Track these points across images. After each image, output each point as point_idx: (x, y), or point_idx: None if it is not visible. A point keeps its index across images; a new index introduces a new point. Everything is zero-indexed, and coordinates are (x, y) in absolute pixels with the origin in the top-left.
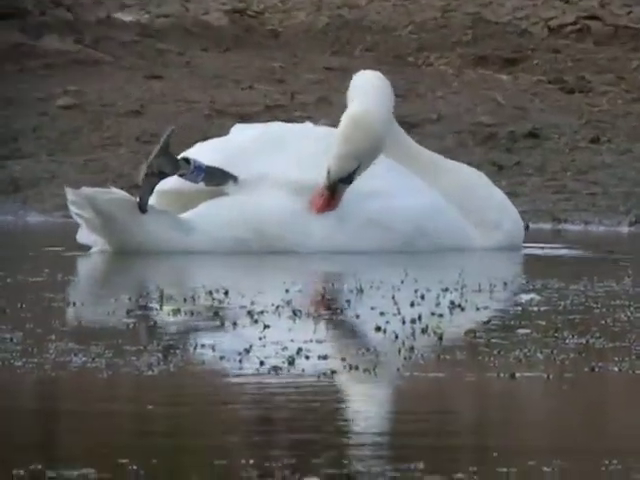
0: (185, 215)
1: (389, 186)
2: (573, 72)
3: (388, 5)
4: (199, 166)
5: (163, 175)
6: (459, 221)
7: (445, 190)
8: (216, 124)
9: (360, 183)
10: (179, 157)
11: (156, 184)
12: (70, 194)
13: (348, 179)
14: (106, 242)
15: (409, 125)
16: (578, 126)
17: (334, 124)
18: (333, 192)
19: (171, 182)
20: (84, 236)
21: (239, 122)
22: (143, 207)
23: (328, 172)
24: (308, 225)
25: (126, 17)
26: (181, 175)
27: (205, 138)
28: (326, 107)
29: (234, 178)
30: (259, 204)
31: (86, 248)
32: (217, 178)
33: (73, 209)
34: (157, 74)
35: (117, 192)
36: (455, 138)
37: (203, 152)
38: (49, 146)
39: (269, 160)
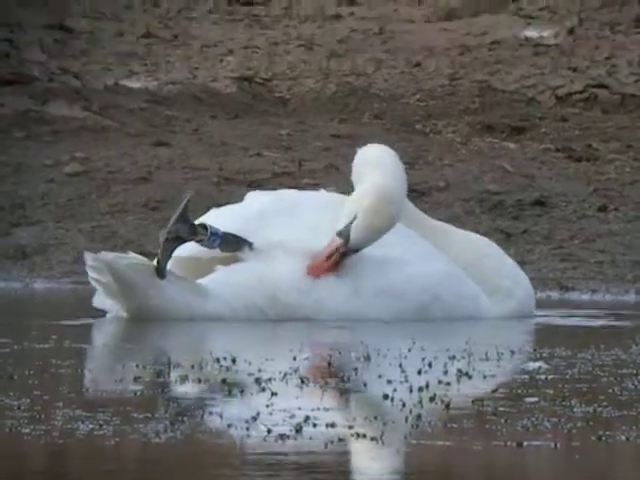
0: (202, 281)
1: (403, 254)
2: (581, 140)
3: (395, 73)
4: (215, 232)
5: (180, 240)
6: (473, 289)
7: (456, 259)
8: (224, 191)
9: (374, 251)
10: (200, 224)
11: (175, 249)
12: (89, 259)
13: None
14: (122, 307)
15: (417, 193)
16: (585, 194)
17: (342, 191)
18: (342, 259)
19: (188, 248)
20: (100, 301)
21: (247, 189)
22: (162, 272)
23: (346, 240)
24: (322, 293)
25: (134, 84)
26: (198, 241)
27: (213, 205)
28: (334, 174)
29: (249, 244)
30: (274, 271)
31: (95, 314)
32: (233, 244)
33: (91, 274)
34: (165, 141)
35: (136, 257)
36: (463, 206)
37: (218, 219)
38: (56, 213)
39: (284, 227)
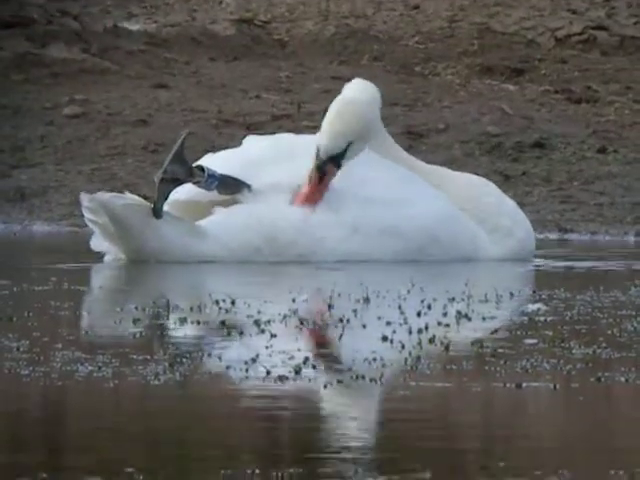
0: (200, 223)
1: (402, 194)
2: (580, 82)
3: (395, 15)
4: (213, 174)
5: (177, 182)
6: (472, 229)
7: (455, 201)
8: (223, 134)
9: (373, 191)
10: (193, 165)
11: (171, 190)
12: (85, 200)
13: (337, 160)
14: (120, 249)
15: (416, 135)
16: (585, 136)
17: None
18: (322, 174)
19: (186, 191)
20: (98, 243)
21: (246, 131)
22: (158, 213)
23: (317, 151)
24: (321, 232)
25: (133, 26)
26: (195, 182)
27: (212, 147)
28: None
29: (248, 187)
30: (272, 212)
31: (94, 257)
32: (231, 187)
33: (87, 215)
34: (164, 83)
35: (132, 197)
36: (462, 148)
37: (216, 162)
38: (56, 155)
39: (281, 169)
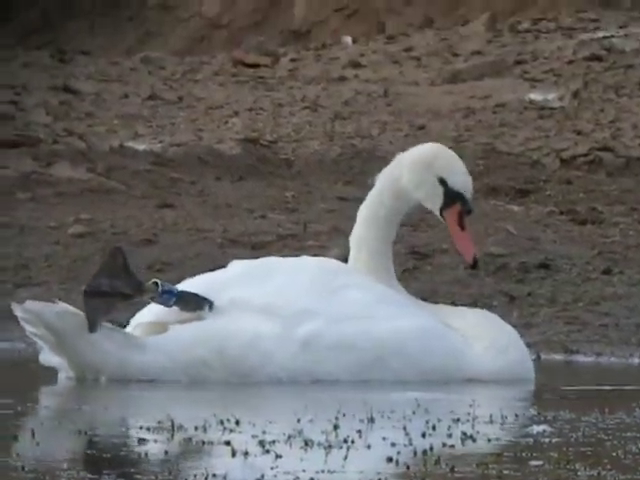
0: (142, 336)
1: (369, 312)
2: (585, 203)
3: (400, 135)
4: (169, 290)
5: (126, 297)
6: (457, 345)
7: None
8: (229, 253)
9: (332, 309)
10: (152, 281)
11: (114, 304)
12: (17, 310)
13: (453, 199)
14: (66, 363)
15: (421, 255)
16: (590, 257)
17: (346, 254)
18: (460, 224)
19: (152, 313)
20: (47, 358)
21: (251, 251)
22: (91, 327)
23: (458, 199)
24: (269, 348)
25: (139, 146)
26: (152, 298)
27: (217, 267)
28: (339, 237)
29: (210, 303)
30: (223, 326)
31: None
32: (192, 303)
33: (25, 327)
34: (170, 203)
35: (65, 306)
36: (467, 269)
37: (193, 282)
38: (60, 274)
39: (248, 288)
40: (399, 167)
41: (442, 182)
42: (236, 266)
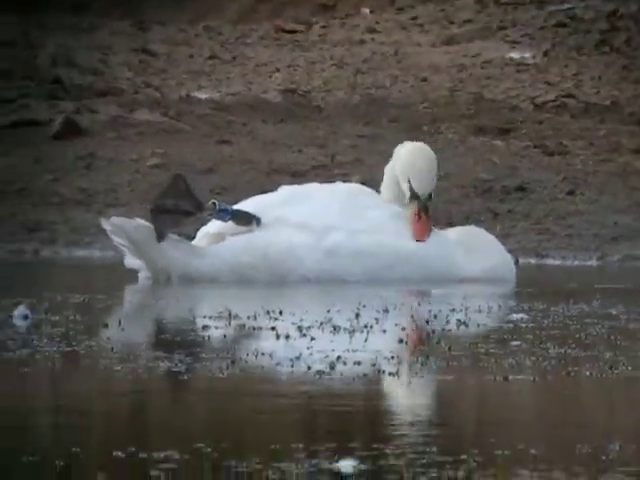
0: (203, 245)
1: (382, 226)
2: (554, 139)
3: (407, 86)
4: (224, 209)
5: (188, 213)
6: (450, 251)
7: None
8: (273, 180)
9: (359, 224)
10: (211, 201)
11: (179, 219)
12: (105, 223)
13: (430, 196)
14: (145, 266)
15: None
16: (557, 181)
17: (365, 179)
18: (426, 211)
19: (215, 225)
20: (130, 261)
21: (291, 178)
22: (158, 237)
23: (415, 197)
24: (301, 254)
25: (202, 95)
26: (210, 215)
27: (264, 191)
28: (359, 166)
29: (258, 220)
30: (266, 236)
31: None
32: (243, 219)
33: (112, 237)
34: (226, 140)
35: (141, 221)
36: (459, 191)
37: (248, 203)
38: (141, 196)
39: (289, 208)
40: (396, 157)
41: (409, 182)
42: (284, 190)
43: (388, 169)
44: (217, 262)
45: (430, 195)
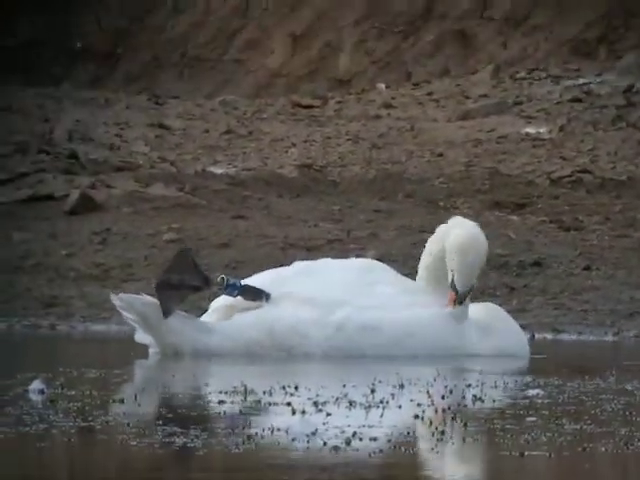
0: (209, 321)
1: (388, 302)
2: (569, 214)
3: (423, 161)
4: (233, 284)
5: (195, 289)
6: (459, 328)
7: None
8: (289, 255)
9: (370, 301)
10: (220, 277)
11: (185, 295)
12: (115, 300)
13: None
14: (154, 342)
15: None
16: (573, 257)
17: (382, 255)
18: (461, 302)
19: (227, 300)
20: (141, 337)
21: (307, 253)
22: (164, 313)
23: (455, 290)
24: (308, 330)
25: (217, 170)
26: (218, 290)
27: (280, 265)
28: (375, 241)
29: (267, 295)
30: (273, 312)
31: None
32: (252, 295)
33: (122, 313)
34: (242, 215)
35: (149, 298)
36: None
37: (263, 276)
38: (157, 271)
39: (299, 284)
40: (442, 237)
41: (452, 272)
42: (298, 265)
43: (431, 244)
44: (224, 339)
45: (471, 288)
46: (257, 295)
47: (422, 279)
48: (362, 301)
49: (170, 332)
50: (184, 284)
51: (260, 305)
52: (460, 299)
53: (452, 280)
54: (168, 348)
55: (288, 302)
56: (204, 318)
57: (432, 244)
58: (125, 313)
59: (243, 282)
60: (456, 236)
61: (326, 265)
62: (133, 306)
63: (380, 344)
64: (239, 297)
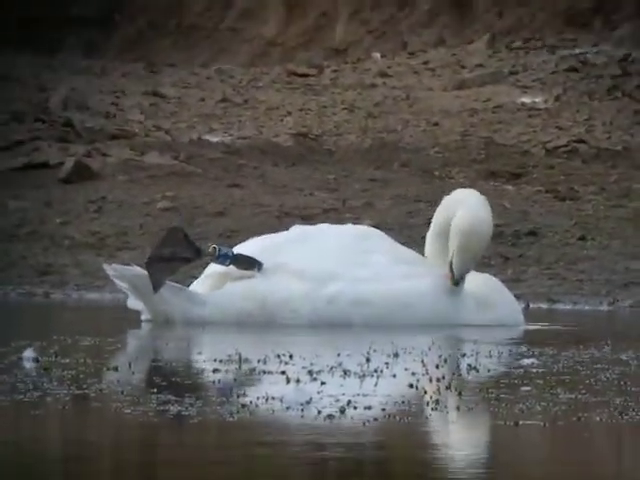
0: (201, 292)
1: (382, 272)
2: (565, 184)
3: (419, 130)
4: (225, 254)
5: (187, 260)
6: (453, 300)
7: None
8: (284, 223)
9: (364, 273)
10: (211, 246)
11: (177, 267)
12: (107, 268)
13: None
14: (146, 309)
15: None
16: (568, 226)
17: (376, 223)
18: (457, 284)
19: (220, 268)
20: (133, 303)
21: (302, 222)
22: (154, 287)
23: (452, 273)
24: (300, 304)
25: (213, 138)
26: (210, 260)
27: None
28: (370, 210)
29: (260, 265)
30: (265, 284)
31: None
32: (244, 264)
33: (115, 281)
34: (237, 183)
35: (139, 270)
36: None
37: (256, 243)
38: (152, 240)
39: (293, 252)
40: (447, 210)
41: (452, 252)
42: (294, 230)
43: (437, 216)
44: (215, 309)
45: (468, 271)
46: (249, 264)
47: (428, 253)
48: (355, 272)
49: (162, 303)
50: (175, 256)
51: (252, 275)
52: (456, 281)
53: (451, 260)
54: (159, 317)
55: (280, 274)
56: (196, 284)
57: (437, 216)
58: (118, 281)
59: (235, 251)
60: (461, 218)
61: (322, 232)
62: (124, 276)
63: (373, 316)
64: (231, 266)
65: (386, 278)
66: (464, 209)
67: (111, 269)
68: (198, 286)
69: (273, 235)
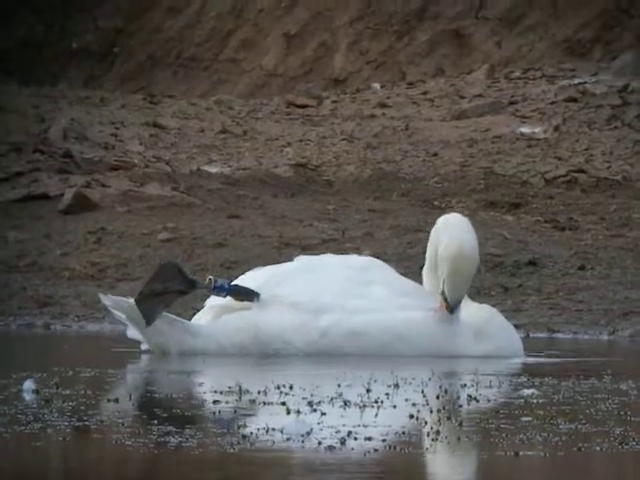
0: (196, 323)
1: (379, 304)
2: (564, 214)
3: (418, 160)
4: (221, 285)
5: (181, 293)
6: (454, 329)
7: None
8: (283, 254)
9: (357, 305)
10: (208, 278)
11: (171, 299)
12: (103, 299)
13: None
14: (144, 340)
15: None
16: (568, 256)
17: (376, 254)
18: (451, 312)
19: (221, 300)
20: (133, 333)
21: (301, 252)
22: (148, 322)
23: (447, 300)
24: (293, 336)
25: (212, 169)
26: (207, 291)
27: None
28: (370, 241)
29: (257, 296)
30: (259, 316)
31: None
32: (242, 295)
33: (113, 312)
34: (237, 214)
35: (133, 301)
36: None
37: (255, 274)
38: (152, 271)
39: (294, 282)
40: (435, 241)
41: (443, 280)
42: (299, 261)
43: (428, 248)
44: (210, 340)
45: (462, 297)
46: (247, 295)
47: (427, 288)
48: (350, 303)
49: (157, 333)
50: (168, 290)
51: (249, 306)
52: (451, 309)
53: (443, 289)
54: (156, 348)
55: (274, 305)
56: (199, 316)
57: (428, 250)
58: (115, 312)
59: (233, 282)
60: (446, 246)
61: (324, 263)
62: (119, 308)
63: (368, 347)
64: (229, 297)
65: (381, 309)
66: (447, 236)
67: (107, 299)
68: (201, 317)
69: (277, 265)
